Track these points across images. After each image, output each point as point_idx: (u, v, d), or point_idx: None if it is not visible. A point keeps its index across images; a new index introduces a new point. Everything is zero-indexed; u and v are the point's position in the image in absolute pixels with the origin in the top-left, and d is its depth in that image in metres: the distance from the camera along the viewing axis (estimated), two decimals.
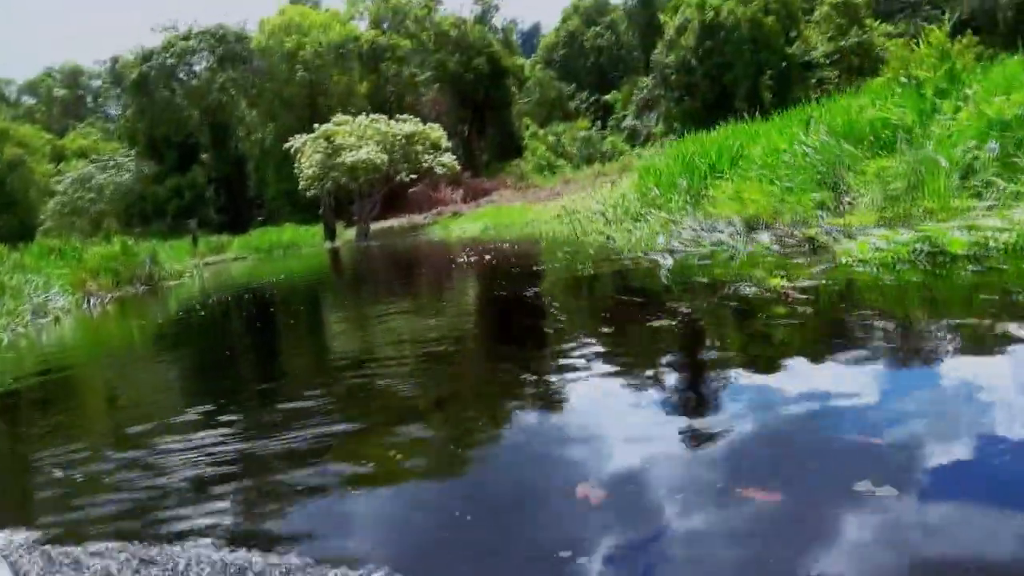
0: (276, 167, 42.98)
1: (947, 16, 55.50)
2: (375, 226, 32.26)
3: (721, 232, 6.62)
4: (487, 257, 10.97)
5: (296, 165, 30.15)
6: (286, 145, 30.85)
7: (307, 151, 29.29)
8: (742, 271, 5.67)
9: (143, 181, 44.95)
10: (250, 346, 6.78)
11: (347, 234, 33.87)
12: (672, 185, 9.44)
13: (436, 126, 30.55)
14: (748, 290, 4.71)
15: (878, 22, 46.71)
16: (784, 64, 42.18)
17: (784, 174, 7.24)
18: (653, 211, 9.17)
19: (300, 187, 29.82)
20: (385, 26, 46.34)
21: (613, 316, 5.15)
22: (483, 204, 32.09)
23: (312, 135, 29.59)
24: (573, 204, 17.14)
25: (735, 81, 41.86)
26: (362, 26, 46.42)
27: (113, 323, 10.47)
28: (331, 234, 32.94)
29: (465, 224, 23.08)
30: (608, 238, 9.68)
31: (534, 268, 9.07)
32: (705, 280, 5.78)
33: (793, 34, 43.53)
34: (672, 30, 45.43)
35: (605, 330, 4.67)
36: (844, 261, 5.08)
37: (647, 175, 10.77)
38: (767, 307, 4.16)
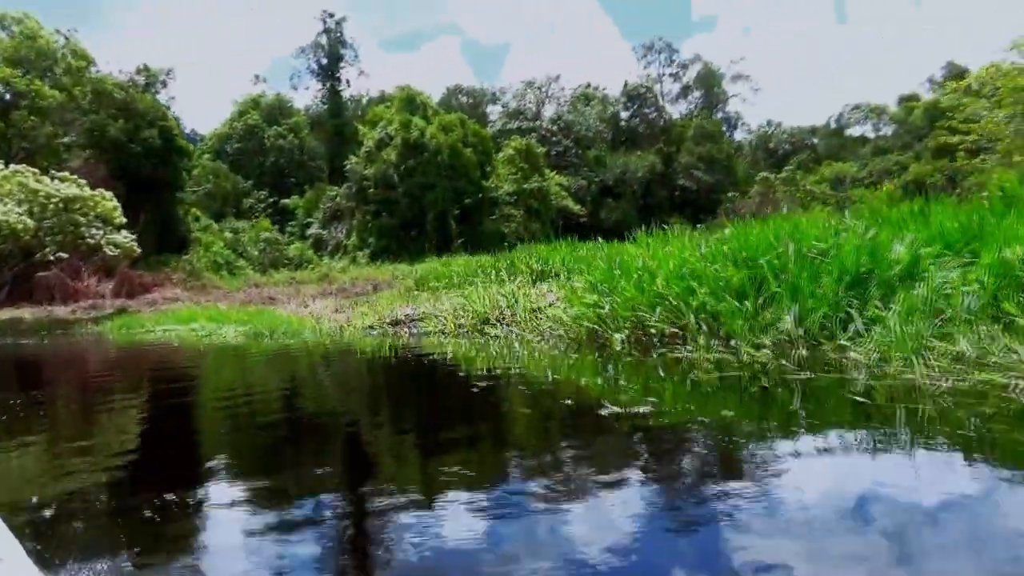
0: None
1: (598, 178, 63.49)
2: None
3: None
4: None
5: None
6: None
7: None
8: None
9: None
10: None
11: None
12: (728, 296, 6.60)
13: (108, 194, 23.59)
14: None
15: (553, 172, 51.23)
16: (479, 195, 43.06)
17: None
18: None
19: None
20: (22, 71, 36.82)
21: None
22: (162, 302, 25.11)
23: None
24: (377, 315, 13.15)
25: (435, 203, 41.25)
26: None
27: None
28: None
29: (173, 325, 16.26)
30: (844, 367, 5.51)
31: None
32: None
33: (488, 168, 45.04)
34: (372, 143, 43.81)
35: None
36: None
37: (619, 280, 7.70)
38: None
